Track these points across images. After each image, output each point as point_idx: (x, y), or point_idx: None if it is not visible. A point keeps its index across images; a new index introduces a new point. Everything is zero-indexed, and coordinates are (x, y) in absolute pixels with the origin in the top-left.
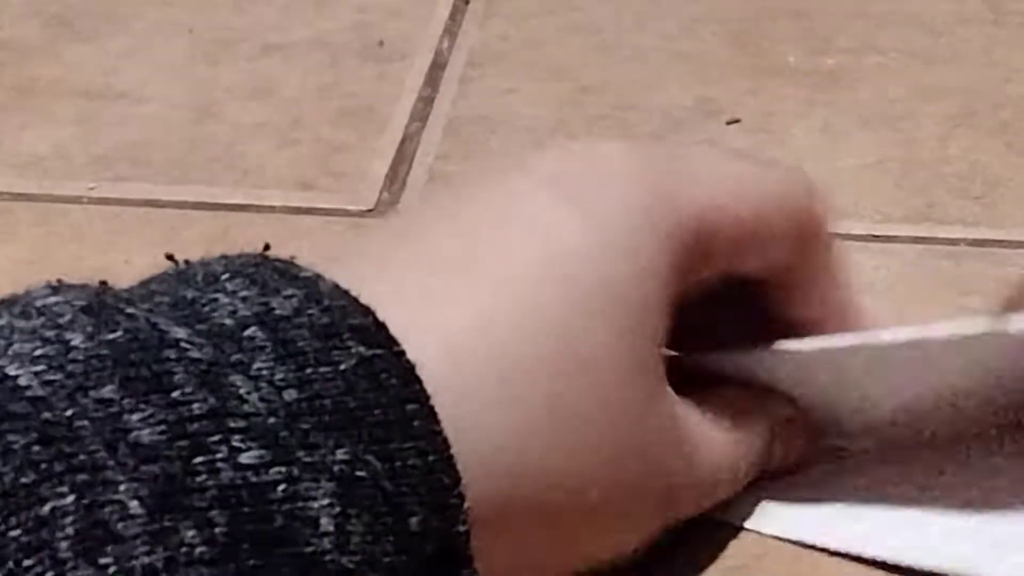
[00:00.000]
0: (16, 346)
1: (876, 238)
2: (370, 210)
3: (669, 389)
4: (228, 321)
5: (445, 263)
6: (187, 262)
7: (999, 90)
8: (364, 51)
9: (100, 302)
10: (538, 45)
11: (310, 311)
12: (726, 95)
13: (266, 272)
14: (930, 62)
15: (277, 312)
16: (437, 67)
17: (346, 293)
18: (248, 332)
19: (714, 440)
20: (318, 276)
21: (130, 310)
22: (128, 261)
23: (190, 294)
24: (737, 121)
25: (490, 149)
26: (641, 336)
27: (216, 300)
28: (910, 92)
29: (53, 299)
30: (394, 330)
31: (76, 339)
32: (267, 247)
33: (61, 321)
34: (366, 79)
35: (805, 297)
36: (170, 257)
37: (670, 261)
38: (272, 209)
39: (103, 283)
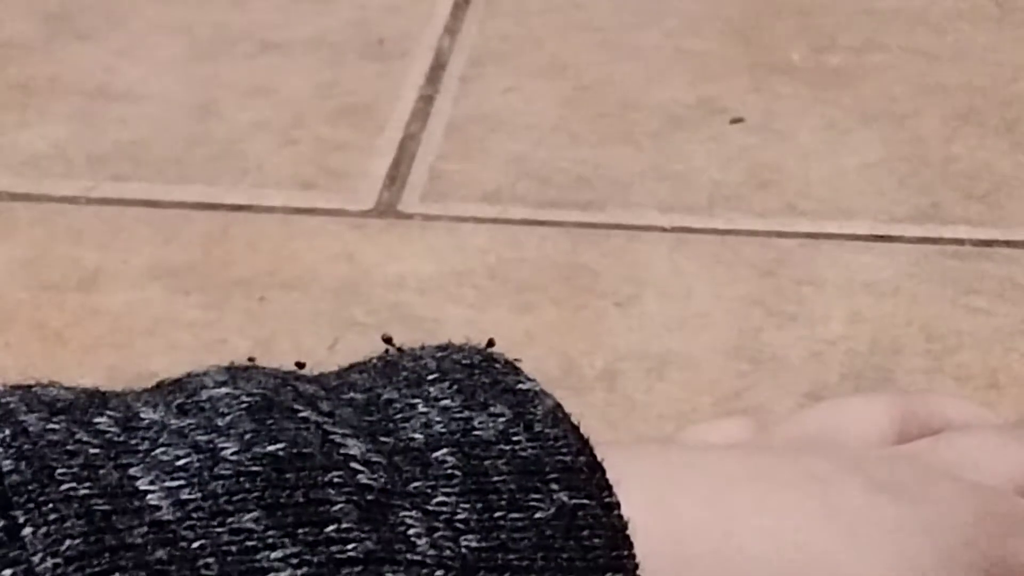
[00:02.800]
0: (161, 451)
1: (880, 238)
2: (370, 210)
3: None
4: (418, 436)
5: (707, 467)
6: (401, 350)
7: (1005, 88)
8: (364, 49)
9: (274, 399)
10: (539, 43)
11: (515, 438)
12: (729, 93)
13: (479, 379)
14: (935, 60)
15: (477, 434)
16: (438, 66)
17: (564, 419)
18: (438, 454)
19: None
20: (537, 392)
21: (304, 413)
22: (126, 261)
23: (388, 394)
24: (740, 120)
25: (491, 148)
26: None
27: (413, 407)
28: (914, 90)
29: (222, 391)
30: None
31: (229, 448)
32: (491, 342)
33: (219, 423)
34: (366, 78)
35: None
36: (387, 340)
37: None
38: (272, 209)
39: (299, 364)
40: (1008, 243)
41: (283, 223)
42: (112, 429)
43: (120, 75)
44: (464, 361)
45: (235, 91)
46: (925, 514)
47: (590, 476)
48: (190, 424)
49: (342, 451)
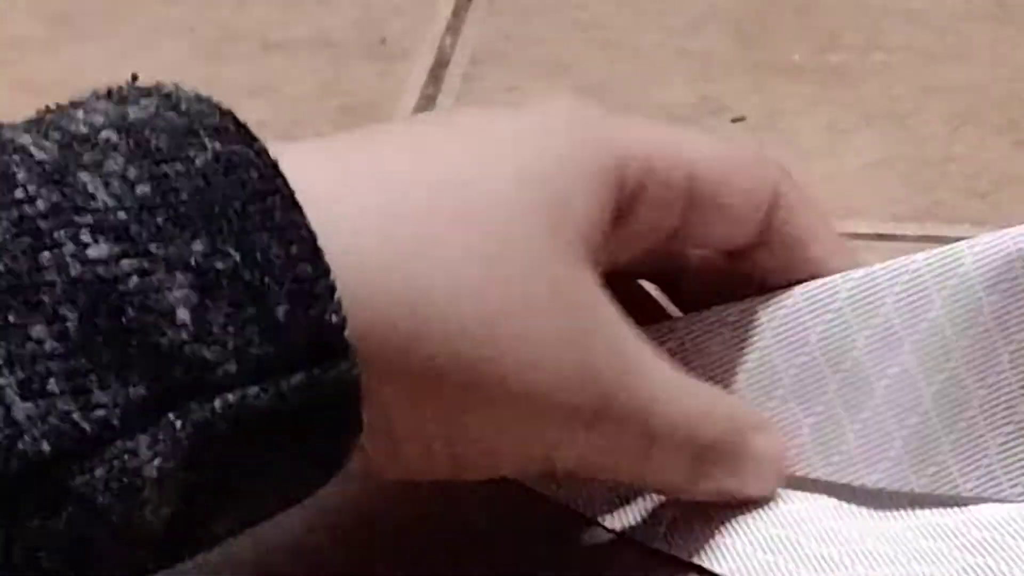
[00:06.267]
0: None
1: (882, 237)
2: None
3: (613, 307)
4: (82, 128)
5: (364, 136)
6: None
7: (1006, 87)
8: (366, 49)
9: None
10: (541, 43)
11: (167, 114)
12: (730, 93)
13: (128, 88)
14: (936, 59)
15: (132, 117)
16: (440, 65)
17: (207, 99)
18: (102, 135)
19: (659, 376)
20: (178, 87)
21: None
22: None
23: (51, 116)
24: (742, 119)
25: None
26: (561, 220)
27: (72, 114)
28: (916, 89)
29: None
30: (287, 166)
31: None
32: (135, 77)
33: None
34: (368, 77)
35: (781, 267)
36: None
37: (597, 179)
38: None
39: None
40: None
41: None
42: None
43: (123, 75)
44: (116, 86)
45: (237, 91)
46: (538, 120)
47: (237, 130)
48: None
49: (16, 142)
